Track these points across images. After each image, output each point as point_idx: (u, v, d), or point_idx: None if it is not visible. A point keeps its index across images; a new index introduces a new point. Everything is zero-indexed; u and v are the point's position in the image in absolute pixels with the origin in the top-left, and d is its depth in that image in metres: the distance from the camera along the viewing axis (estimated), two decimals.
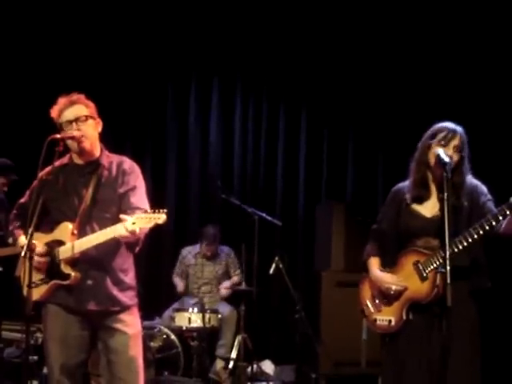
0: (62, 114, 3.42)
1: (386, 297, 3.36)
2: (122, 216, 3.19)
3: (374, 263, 3.47)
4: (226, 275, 6.65)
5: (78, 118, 3.41)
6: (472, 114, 6.22)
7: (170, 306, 6.30)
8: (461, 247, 3.13)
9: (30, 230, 3.13)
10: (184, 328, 5.86)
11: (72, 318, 3.42)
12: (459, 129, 3.32)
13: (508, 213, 3.04)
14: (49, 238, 3.42)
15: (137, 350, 3.46)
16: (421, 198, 3.36)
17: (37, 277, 3.38)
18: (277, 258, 5.96)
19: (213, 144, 7.24)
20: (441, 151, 3.22)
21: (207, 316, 5.86)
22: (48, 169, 3.45)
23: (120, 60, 7.15)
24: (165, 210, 3.15)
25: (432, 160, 3.30)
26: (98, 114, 3.54)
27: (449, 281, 2.94)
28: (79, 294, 3.38)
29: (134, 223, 3.13)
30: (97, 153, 3.51)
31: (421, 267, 3.26)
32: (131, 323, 3.47)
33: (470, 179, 3.36)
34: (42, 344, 3.66)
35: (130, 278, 3.52)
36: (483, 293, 3.34)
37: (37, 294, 3.37)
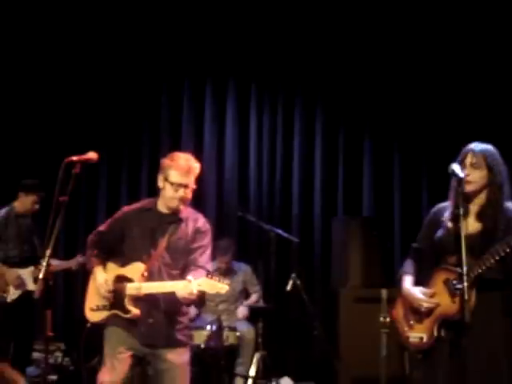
0: (180, 174, 3.67)
1: (418, 314, 3.40)
2: (188, 277, 3.48)
3: (407, 280, 3.52)
4: (244, 293, 6.64)
5: (188, 185, 3.71)
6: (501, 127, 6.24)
7: None
8: (488, 264, 3.18)
9: (47, 252, 3.18)
10: (202, 346, 5.85)
11: (128, 341, 3.70)
12: (475, 146, 3.38)
13: None
14: (120, 271, 3.72)
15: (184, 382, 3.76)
16: (457, 218, 3.35)
17: (101, 302, 3.71)
18: (294, 275, 5.94)
19: (228, 163, 7.25)
20: (455, 166, 3.27)
21: (225, 334, 5.84)
22: (133, 207, 3.83)
23: (133, 68, 7.24)
24: (228, 282, 3.49)
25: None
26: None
27: (466, 297, 3.00)
28: (139, 328, 3.67)
29: (199, 285, 3.42)
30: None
31: (451, 285, 3.30)
32: (181, 358, 3.75)
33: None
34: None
35: (187, 318, 3.84)
36: None
37: (96, 316, 3.74)
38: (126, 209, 3.90)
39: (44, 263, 3.15)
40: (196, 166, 3.73)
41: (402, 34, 6.89)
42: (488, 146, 3.40)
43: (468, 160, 3.35)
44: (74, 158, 3.37)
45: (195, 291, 3.43)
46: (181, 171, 3.66)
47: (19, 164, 6.82)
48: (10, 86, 7.06)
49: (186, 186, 3.68)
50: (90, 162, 3.44)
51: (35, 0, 7.01)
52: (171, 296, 3.57)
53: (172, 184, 3.67)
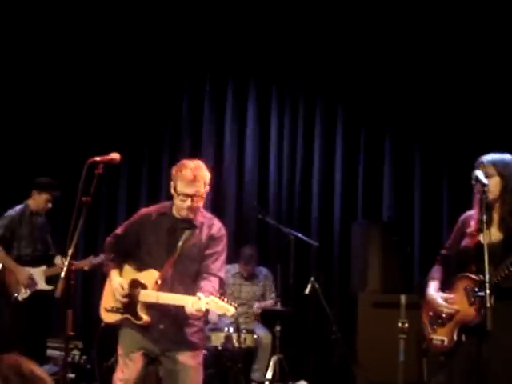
0: (185, 184, 3.63)
1: (441, 318, 3.53)
2: (198, 294, 3.47)
3: (432, 286, 3.64)
4: (263, 297, 6.61)
5: (195, 194, 3.65)
6: None
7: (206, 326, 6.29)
8: (503, 275, 3.25)
9: (69, 252, 3.19)
10: (219, 348, 5.84)
11: (142, 343, 3.73)
12: (485, 158, 3.45)
13: None
14: (135, 276, 3.75)
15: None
16: (482, 226, 3.39)
17: (115, 304, 3.74)
18: (312, 278, 5.93)
19: (248, 165, 7.24)
20: (479, 172, 3.34)
21: (243, 336, 5.83)
22: (150, 210, 3.82)
23: (154, 68, 7.28)
24: (236, 305, 3.50)
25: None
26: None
27: (488, 304, 3.06)
28: (151, 333, 3.70)
29: (208, 304, 3.42)
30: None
31: (470, 292, 3.41)
32: (194, 360, 3.74)
33: None
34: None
35: (199, 320, 3.76)
36: None
37: (111, 318, 3.83)
38: (143, 211, 3.89)
39: (66, 262, 3.16)
40: (204, 175, 3.67)
41: (425, 34, 6.83)
42: (500, 156, 3.46)
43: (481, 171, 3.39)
44: (97, 159, 3.35)
45: (203, 309, 3.44)
46: (186, 182, 3.61)
47: (41, 164, 6.86)
48: (32, 86, 7.11)
49: (193, 196, 3.63)
50: (112, 163, 3.44)
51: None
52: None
53: (179, 194, 3.65)
